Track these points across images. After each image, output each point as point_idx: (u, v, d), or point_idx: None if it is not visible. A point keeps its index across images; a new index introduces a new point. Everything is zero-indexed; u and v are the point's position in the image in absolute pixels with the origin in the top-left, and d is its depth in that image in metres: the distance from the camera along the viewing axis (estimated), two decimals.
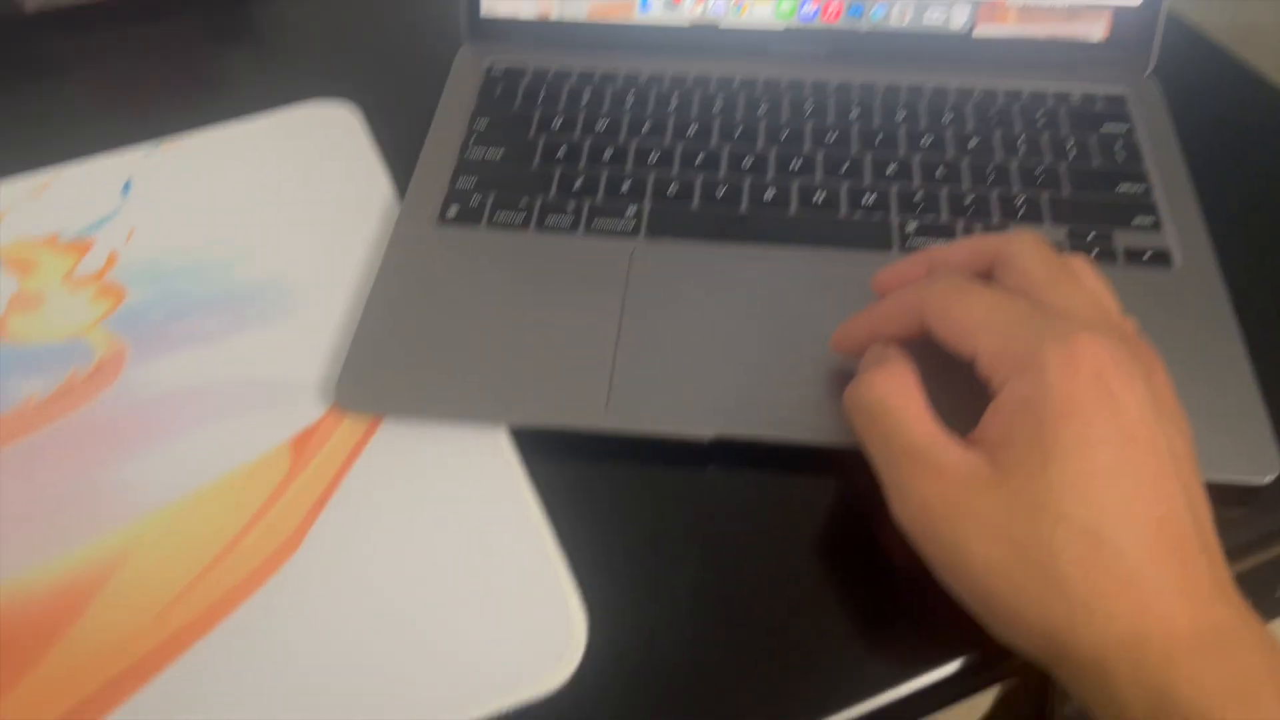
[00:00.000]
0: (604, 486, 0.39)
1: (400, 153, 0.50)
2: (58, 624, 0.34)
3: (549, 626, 0.35)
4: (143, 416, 0.40)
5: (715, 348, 0.41)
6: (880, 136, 0.49)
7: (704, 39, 0.52)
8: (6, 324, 0.43)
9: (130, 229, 0.47)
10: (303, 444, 0.39)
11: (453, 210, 0.46)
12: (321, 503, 0.38)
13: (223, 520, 0.37)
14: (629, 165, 0.48)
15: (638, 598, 0.36)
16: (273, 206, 0.48)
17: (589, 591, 0.36)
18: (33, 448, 0.39)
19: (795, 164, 0.48)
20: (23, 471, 0.38)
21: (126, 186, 0.48)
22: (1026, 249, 0.34)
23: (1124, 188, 0.47)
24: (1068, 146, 0.48)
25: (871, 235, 0.45)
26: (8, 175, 0.49)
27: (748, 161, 0.48)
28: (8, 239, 0.46)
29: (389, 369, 0.41)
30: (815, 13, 0.52)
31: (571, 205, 0.46)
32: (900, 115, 0.50)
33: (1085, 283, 0.34)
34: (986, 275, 0.35)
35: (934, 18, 0.51)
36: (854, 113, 0.50)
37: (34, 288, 0.44)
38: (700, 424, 0.39)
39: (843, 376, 0.39)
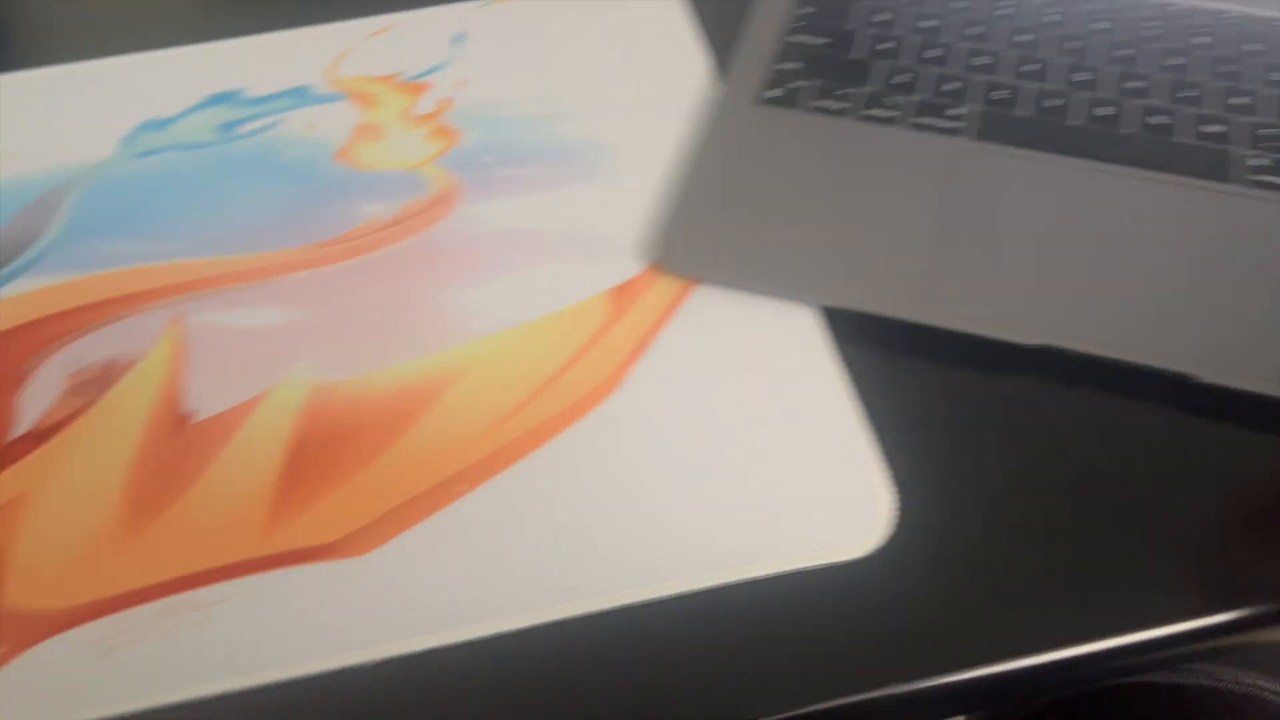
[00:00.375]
0: (912, 377, 0.39)
1: (719, 33, 0.50)
2: (401, 422, 0.37)
3: (856, 497, 0.35)
4: (474, 250, 0.42)
5: (1036, 256, 0.40)
6: (1229, 67, 0.46)
7: None
8: (352, 150, 0.46)
9: (463, 77, 0.49)
10: (621, 295, 0.41)
11: (774, 92, 0.46)
12: (638, 351, 0.39)
13: (547, 354, 0.39)
14: (955, 66, 0.47)
15: (944, 485, 0.36)
16: (596, 72, 0.49)
17: (896, 472, 0.36)
18: (377, 263, 0.42)
19: (1134, 84, 0.45)
20: (369, 284, 0.41)
21: (459, 38, 0.50)
22: None
23: None
24: None
25: (1209, 164, 0.43)
26: (350, 17, 0.52)
27: (1082, 75, 0.46)
28: (351, 73, 0.49)
29: (708, 237, 0.41)
30: None
31: (895, 99, 0.45)
32: (1253, 47, 0.47)
33: None
34: None
35: None
36: (1200, 39, 0.47)
37: (376, 120, 0.47)
38: (1021, 330, 0.38)
39: (1171, 300, 0.38)
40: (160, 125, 0.47)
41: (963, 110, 0.45)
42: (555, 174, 0.45)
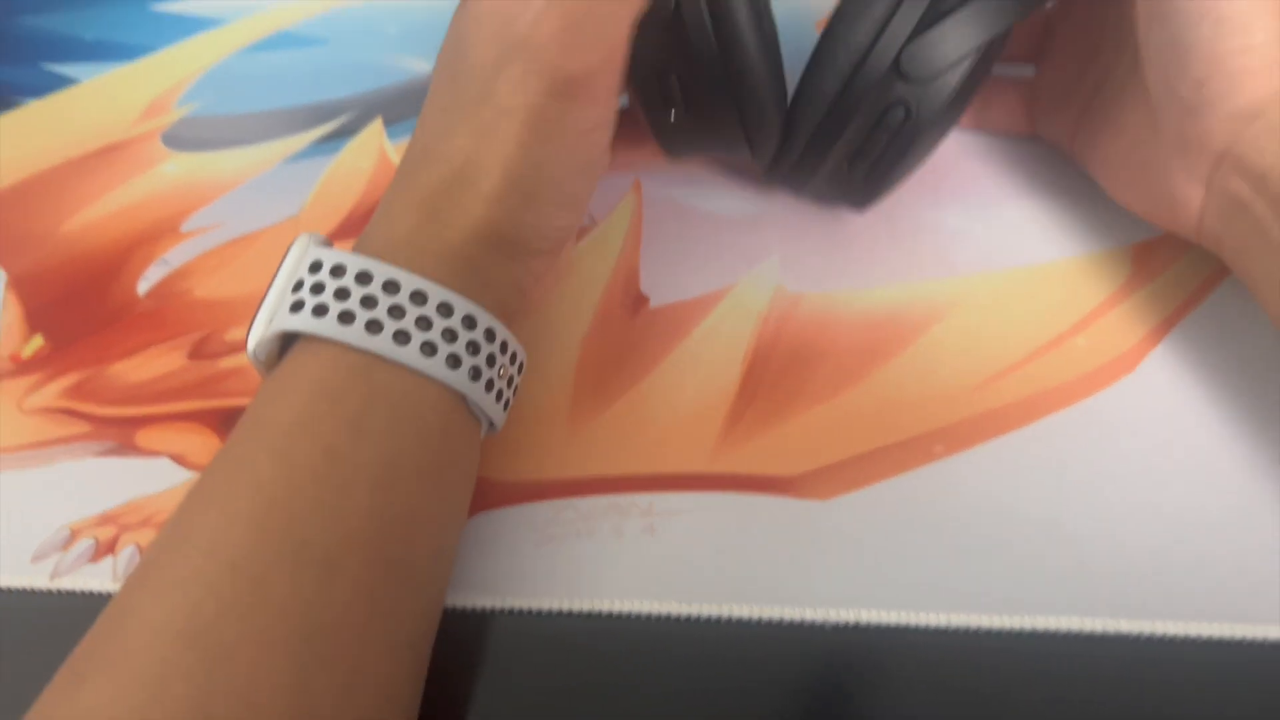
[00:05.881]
0: None
1: None
2: (874, 355, 0.33)
3: None
4: (980, 165, 0.36)
5: None
6: None
7: None
8: None
9: None
10: (1145, 255, 0.34)
11: None
12: (1165, 328, 0.33)
13: (1052, 309, 0.33)
14: None
15: None
16: None
17: None
18: None
19: None
20: None
21: None
22: None
23: None
24: None
25: None
26: None
27: None
28: None
29: None
30: None
31: None
32: None
33: None
34: None
35: None
36: None
37: None
38: None
39: None
40: None
41: None
42: None
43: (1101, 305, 0.33)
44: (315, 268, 0.25)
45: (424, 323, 0.25)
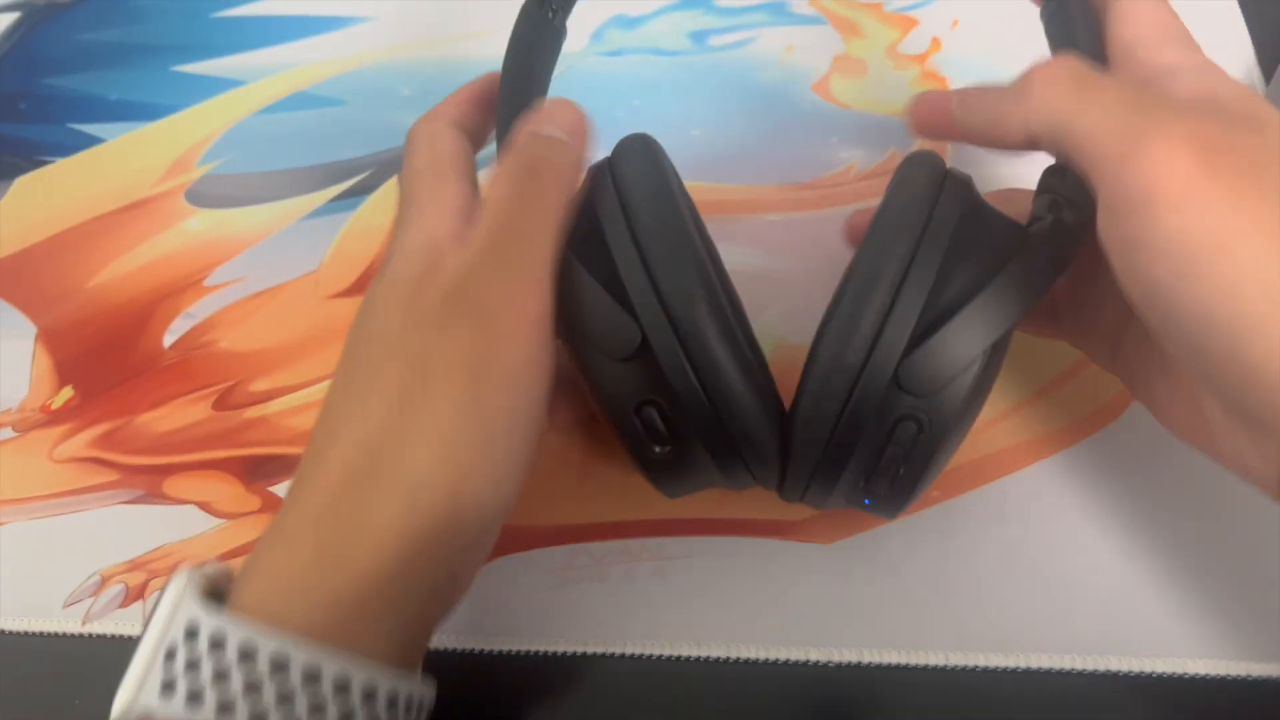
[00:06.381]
0: None
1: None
2: None
3: None
4: None
5: None
6: None
7: None
8: (829, 83, 0.42)
9: (955, 18, 0.44)
10: None
11: None
12: None
13: (1040, 358, 0.35)
14: None
15: None
16: None
17: None
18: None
19: None
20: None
21: None
22: None
23: None
24: None
25: None
26: None
27: None
28: None
29: None
30: None
31: None
32: None
33: None
34: None
35: None
36: None
37: (858, 53, 0.43)
38: None
39: None
40: (630, 23, 0.45)
41: None
42: None
43: None
44: (191, 633, 0.22)
45: (317, 713, 0.21)
